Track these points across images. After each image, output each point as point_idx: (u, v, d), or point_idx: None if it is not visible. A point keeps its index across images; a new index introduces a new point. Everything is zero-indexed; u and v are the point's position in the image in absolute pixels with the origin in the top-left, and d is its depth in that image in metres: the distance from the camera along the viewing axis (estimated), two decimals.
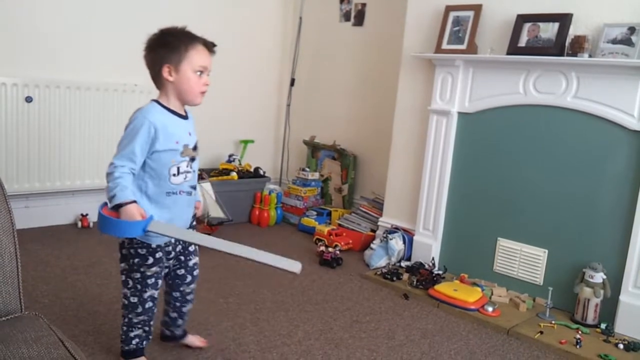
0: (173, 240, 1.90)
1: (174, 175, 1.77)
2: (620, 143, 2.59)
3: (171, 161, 1.76)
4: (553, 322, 2.62)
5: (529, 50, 2.79)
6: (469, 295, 2.76)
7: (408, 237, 3.36)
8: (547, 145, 2.82)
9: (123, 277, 1.87)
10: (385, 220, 3.59)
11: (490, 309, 2.68)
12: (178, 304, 2.05)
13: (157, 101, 1.80)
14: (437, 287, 2.85)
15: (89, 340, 2.16)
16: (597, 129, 2.65)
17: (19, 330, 1.21)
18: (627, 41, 2.51)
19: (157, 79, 1.79)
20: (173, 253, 1.95)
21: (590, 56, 2.60)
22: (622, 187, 2.59)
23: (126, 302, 1.87)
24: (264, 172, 4.28)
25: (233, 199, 3.88)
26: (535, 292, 2.87)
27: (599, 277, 2.59)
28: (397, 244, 3.30)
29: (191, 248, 2.01)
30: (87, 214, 3.58)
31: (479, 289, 2.86)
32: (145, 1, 3.72)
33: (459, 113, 3.12)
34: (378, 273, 3.11)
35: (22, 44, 3.28)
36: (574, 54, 2.63)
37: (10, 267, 1.32)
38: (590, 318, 2.62)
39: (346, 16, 4.23)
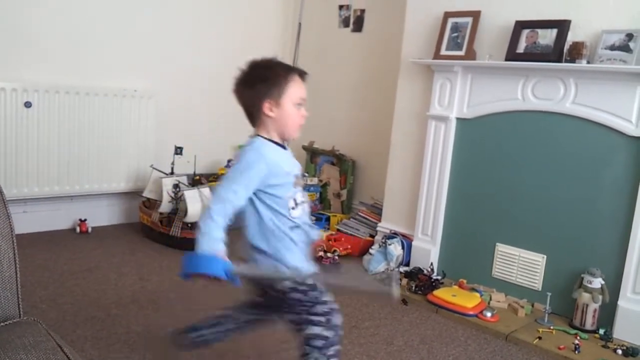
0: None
1: (293, 208, 1.66)
2: (618, 149, 2.60)
3: (287, 194, 1.65)
4: (552, 327, 2.62)
5: (528, 56, 2.80)
6: (467, 300, 2.76)
7: (407, 243, 3.36)
8: (546, 151, 2.82)
9: (305, 317, 1.68)
10: (384, 226, 3.58)
11: (488, 314, 2.68)
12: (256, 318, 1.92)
13: (260, 136, 1.68)
14: (435, 292, 2.85)
15: (87, 346, 2.15)
16: (595, 134, 2.66)
17: (18, 335, 1.21)
18: (625, 47, 2.52)
19: (256, 116, 1.68)
20: None
21: (588, 62, 2.61)
22: (621, 193, 2.60)
23: (321, 342, 1.66)
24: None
25: None
26: (534, 297, 2.87)
27: (597, 282, 2.59)
28: (395, 249, 3.30)
29: None
30: (85, 219, 3.58)
31: (478, 295, 2.86)
32: (144, 6, 3.73)
33: (458, 119, 3.13)
34: (377, 278, 3.11)
35: (22, 48, 3.29)
36: (572, 60, 2.64)
37: (9, 272, 1.32)
38: (589, 323, 2.62)
39: (345, 22, 4.25)
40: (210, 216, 1.57)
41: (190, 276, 1.56)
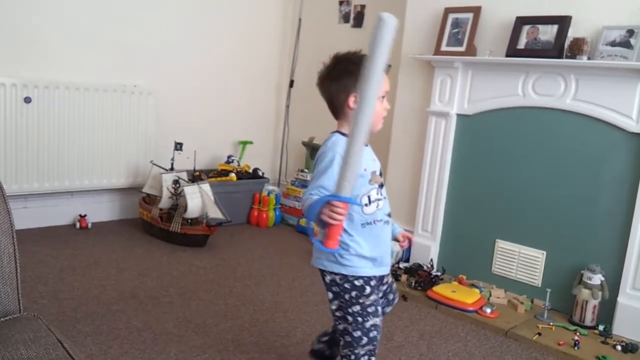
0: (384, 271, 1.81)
1: (366, 205, 1.67)
2: (618, 145, 2.59)
3: (361, 190, 1.66)
4: (551, 323, 2.62)
5: (528, 52, 2.79)
6: (467, 296, 2.76)
7: None
8: (546, 147, 2.82)
9: (339, 314, 1.73)
10: None
11: (488, 310, 2.68)
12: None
13: (340, 132, 1.69)
14: (435, 288, 2.86)
15: (87, 342, 2.15)
16: (595, 131, 2.66)
17: (18, 331, 1.21)
18: (625, 44, 2.52)
19: (340, 109, 1.69)
20: (386, 279, 1.87)
21: (589, 58, 2.61)
22: (621, 189, 2.60)
23: (349, 338, 1.72)
24: (263, 173, 4.28)
25: (232, 199, 3.88)
26: (534, 293, 2.88)
27: (597, 278, 2.59)
28: (395, 245, 3.29)
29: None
30: (85, 215, 3.58)
31: (478, 291, 2.86)
32: (145, 2, 3.72)
33: (458, 115, 3.13)
34: None
35: (22, 44, 3.28)
36: (573, 56, 2.63)
37: (9, 267, 1.32)
38: (589, 319, 2.62)
39: (345, 18, 4.24)
40: (305, 200, 1.56)
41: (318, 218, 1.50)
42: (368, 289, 1.71)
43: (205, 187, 3.50)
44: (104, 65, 3.60)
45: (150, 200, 3.68)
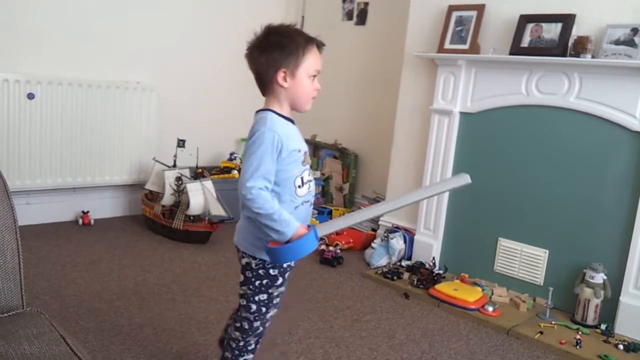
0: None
1: (299, 186, 1.60)
2: (622, 144, 2.59)
3: (295, 172, 1.59)
4: (553, 322, 2.62)
5: (532, 50, 2.78)
6: (469, 295, 2.76)
7: (409, 237, 3.36)
8: (549, 145, 2.82)
9: (244, 302, 1.69)
10: (386, 220, 3.58)
11: (490, 308, 2.68)
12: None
13: (271, 110, 1.60)
14: (437, 286, 2.85)
15: (90, 338, 2.16)
16: (599, 129, 2.65)
17: (21, 326, 1.21)
18: (630, 42, 2.51)
19: (268, 84, 1.60)
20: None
21: (593, 57, 2.60)
22: (624, 188, 2.59)
23: (246, 326, 1.71)
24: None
25: (234, 197, 3.81)
26: (536, 292, 2.87)
27: (599, 277, 2.59)
28: (397, 243, 3.30)
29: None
30: (88, 211, 3.59)
31: (480, 289, 2.86)
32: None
33: (461, 113, 3.12)
34: (379, 272, 3.11)
35: (25, 40, 3.28)
36: (577, 55, 2.63)
37: (12, 263, 1.32)
38: (591, 319, 2.62)
39: (348, 15, 4.23)
40: (256, 199, 1.48)
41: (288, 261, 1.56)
42: (280, 280, 1.67)
43: (208, 184, 3.50)
44: (107, 62, 3.60)
45: (152, 197, 3.68)
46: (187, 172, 3.60)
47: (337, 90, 4.31)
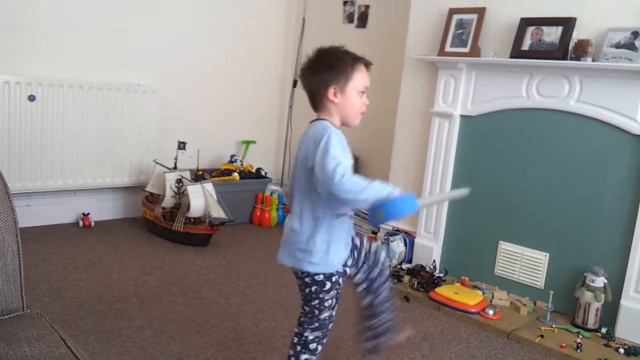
0: (347, 261, 1.81)
1: None
2: (622, 147, 2.59)
3: None
4: (554, 325, 2.62)
5: (532, 53, 2.79)
6: (469, 298, 2.76)
7: (409, 240, 3.36)
8: (549, 149, 2.82)
9: (309, 310, 1.80)
10: (387, 222, 3.58)
11: (491, 312, 2.67)
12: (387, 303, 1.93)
13: (327, 120, 1.72)
14: (438, 289, 2.85)
15: (90, 340, 2.16)
16: (599, 133, 2.65)
17: (21, 328, 1.21)
18: (630, 45, 2.51)
19: (320, 102, 1.73)
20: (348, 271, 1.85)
21: (593, 60, 2.60)
22: (624, 192, 2.59)
23: (305, 320, 1.81)
24: (266, 173, 4.28)
25: (234, 199, 3.88)
26: (536, 295, 2.87)
27: (600, 281, 2.59)
28: (398, 246, 3.30)
29: (373, 247, 1.89)
30: (88, 213, 3.59)
31: (480, 292, 2.86)
32: (150, 1, 3.73)
33: (462, 116, 3.12)
34: None
35: (26, 42, 3.29)
36: (577, 58, 2.63)
37: (12, 265, 1.32)
38: (591, 322, 2.62)
39: (349, 18, 4.23)
40: (345, 177, 1.53)
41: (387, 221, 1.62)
42: (328, 285, 1.74)
43: (208, 186, 3.50)
44: (108, 64, 3.60)
45: (153, 199, 3.68)
46: (187, 175, 3.60)
47: None
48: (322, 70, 1.70)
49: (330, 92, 1.68)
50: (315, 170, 1.58)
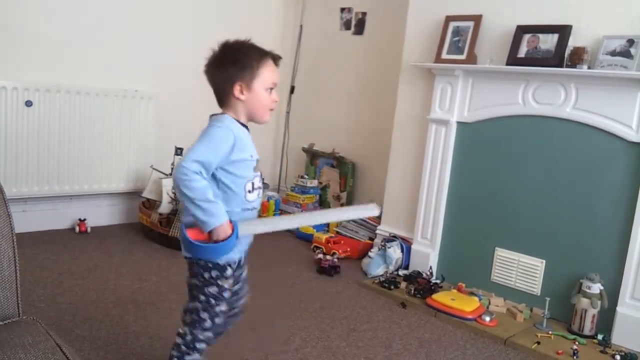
0: (243, 255, 1.79)
1: (249, 191, 1.66)
2: (618, 154, 2.60)
3: (246, 177, 1.65)
4: (550, 332, 2.62)
5: (529, 61, 2.80)
6: (466, 304, 2.76)
7: (406, 246, 3.36)
8: (546, 155, 2.83)
9: (194, 293, 1.70)
10: (384, 229, 3.58)
11: (487, 318, 2.67)
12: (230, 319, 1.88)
13: (228, 114, 1.67)
14: (434, 296, 2.85)
15: (85, 346, 2.15)
16: (595, 140, 2.66)
17: (17, 335, 1.21)
18: (626, 53, 2.53)
19: (225, 98, 1.67)
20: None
21: (589, 68, 2.62)
22: (620, 198, 2.60)
23: (195, 317, 1.70)
24: (263, 179, 4.27)
25: None
26: (533, 302, 2.87)
27: (596, 287, 2.59)
28: (395, 252, 3.30)
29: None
30: (84, 219, 3.58)
31: (477, 299, 2.86)
32: (145, 7, 3.73)
33: (458, 123, 3.14)
34: (376, 281, 3.11)
35: (23, 47, 3.29)
36: (573, 66, 2.64)
37: (8, 271, 1.32)
38: (588, 329, 2.62)
39: (346, 25, 4.25)
40: (191, 181, 1.52)
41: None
42: (230, 271, 1.68)
43: None
44: (105, 70, 3.61)
45: (150, 205, 3.67)
46: None
47: (335, 99, 4.32)
48: (226, 66, 1.64)
49: (236, 89, 1.62)
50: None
